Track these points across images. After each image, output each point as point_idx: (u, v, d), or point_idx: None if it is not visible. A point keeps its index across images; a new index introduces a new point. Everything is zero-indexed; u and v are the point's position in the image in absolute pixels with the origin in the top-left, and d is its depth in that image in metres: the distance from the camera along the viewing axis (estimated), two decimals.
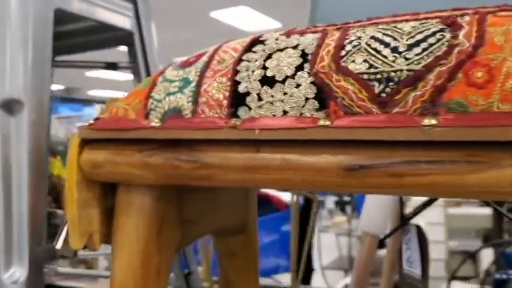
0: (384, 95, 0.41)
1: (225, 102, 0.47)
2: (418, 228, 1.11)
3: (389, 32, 0.44)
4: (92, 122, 0.53)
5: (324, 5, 0.85)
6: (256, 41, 0.51)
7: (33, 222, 0.68)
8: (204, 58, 0.52)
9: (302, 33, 0.49)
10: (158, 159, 0.50)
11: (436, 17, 0.44)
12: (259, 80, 0.46)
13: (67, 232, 0.60)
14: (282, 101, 0.45)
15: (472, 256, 3.29)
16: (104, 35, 1.02)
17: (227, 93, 0.48)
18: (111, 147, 0.53)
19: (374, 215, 0.87)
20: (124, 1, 0.96)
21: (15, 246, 0.66)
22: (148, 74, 0.97)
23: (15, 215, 0.67)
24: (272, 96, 0.45)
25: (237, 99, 0.47)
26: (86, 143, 0.54)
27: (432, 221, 3.51)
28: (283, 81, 0.45)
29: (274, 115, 0.45)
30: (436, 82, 0.39)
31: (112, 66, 0.99)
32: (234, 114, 0.47)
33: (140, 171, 0.51)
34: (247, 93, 0.47)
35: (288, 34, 0.50)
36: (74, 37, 1.03)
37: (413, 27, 0.43)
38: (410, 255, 1.11)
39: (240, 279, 0.74)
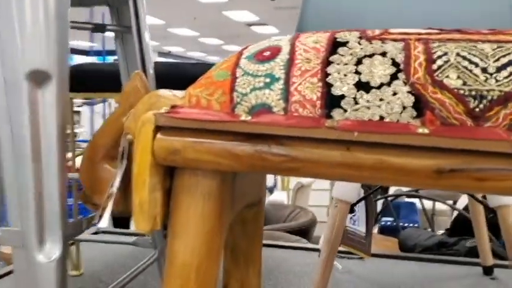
0: (477, 110, 0.48)
1: (318, 102, 0.51)
2: (366, 192, 1.22)
3: (473, 52, 0.50)
4: (168, 109, 0.54)
5: (312, 13, 0.88)
6: (336, 42, 0.54)
7: (62, 197, 0.66)
8: (285, 55, 0.54)
9: (382, 39, 0.54)
10: (247, 150, 0.52)
11: (509, 41, 0.51)
12: (355, 85, 0.51)
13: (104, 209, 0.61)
14: (379, 107, 0.50)
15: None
16: None
17: (319, 94, 0.51)
18: (192, 135, 0.54)
19: (347, 185, 0.96)
20: None
21: (47, 223, 0.64)
22: (139, 38, 0.94)
23: (46, 191, 0.64)
24: (368, 101, 0.50)
25: (332, 101, 0.51)
26: (159, 129, 0.55)
27: None
28: (378, 88, 0.50)
29: (370, 119, 0.50)
30: None
31: (100, 28, 0.93)
32: (328, 115, 0.51)
33: (224, 160, 0.53)
34: (342, 96, 0.51)
35: (367, 39, 0.54)
36: None
37: (494, 49, 0.50)
38: (355, 215, 1.23)
39: (250, 245, 0.79)
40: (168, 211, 0.59)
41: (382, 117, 0.49)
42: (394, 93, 0.49)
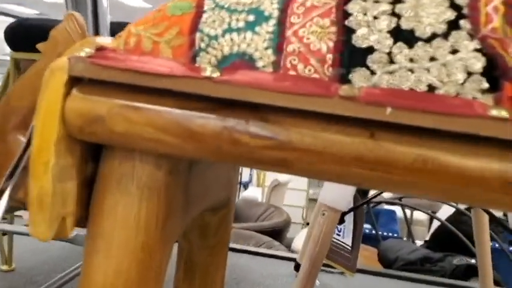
0: None
1: (329, 57, 0.32)
2: (357, 198, 1.04)
3: None
4: (92, 52, 0.34)
5: None
6: None
7: None
8: None
9: None
10: (210, 126, 0.33)
11: None
12: (390, 33, 0.32)
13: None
14: (428, 71, 0.31)
15: None
16: None
17: (331, 44, 0.32)
18: (124, 96, 0.34)
19: (339, 191, 0.78)
20: None
21: None
22: None
23: None
24: (411, 60, 0.31)
25: (351, 55, 0.32)
26: (76, 82, 0.35)
27: None
28: (428, 40, 0.31)
29: (412, 89, 0.31)
30: None
31: None
32: (344, 78, 0.32)
33: (174, 138, 0.33)
34: (370, 50, 0.31)
35: None
36: None
37: None
38: (342, 227, 1.05)
39: (211, 259, 0.60)
40: (87, 211, 0.40)
41: (432, 88, 0.31)
42: (454, 51, 0.31)
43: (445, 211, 2.70)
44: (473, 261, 1.68)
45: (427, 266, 1.75)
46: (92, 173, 0.40)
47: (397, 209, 2.93)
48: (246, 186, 5.88)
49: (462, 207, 2.35)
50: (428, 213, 2.73)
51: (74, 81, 0.35)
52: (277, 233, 2.73)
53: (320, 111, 0.31)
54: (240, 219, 3.20)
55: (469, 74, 0.30)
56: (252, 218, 3.12)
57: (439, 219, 2.44)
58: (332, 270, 1.35)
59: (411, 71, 0.31)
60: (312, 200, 4.02)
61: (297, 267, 1.13)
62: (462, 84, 0.30)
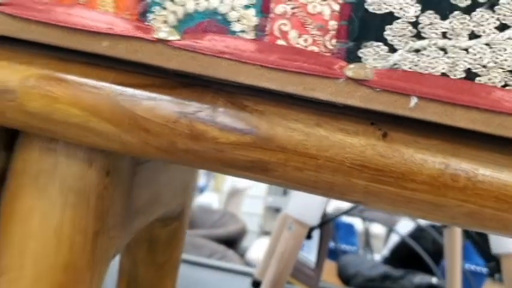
0: None
1: (332, 24, 0.23)
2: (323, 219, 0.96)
3: None
4: None
5: None
6: None
7: None
8: None
9: None
10: (160, 112, 0.23)
11: None
12: None
13: None
14: (466, 51, 0.22)
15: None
16: None
17: (337, 7, 0.23)
18: (43, 62, 0.24)
19: (309, 202, 0.69)
20: None
21: None
22: None
23: None
24: (444, 35, 0.22)
25: (364, 23, 0.23)
26: None
27: None
28: (468, 11, 0.23)
29: (445, 74, 0.22)
30: None
31: None
32: (352, 54, 0.23)
33: (110, 126, 0.24)
34: (389, 18, 0.23)
35: None
36: None
37: None
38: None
39: (158, 278, 0.50)
40: None
41: (471, 74, 0.22)
42: (502, 27, 0.22)
43: (404, 226, 2.67)
44: (434, 279, 1.63)
45: (387, 283, 1.69)
46: (2, 167, 0.30)
47: (356, 221, 2.89)
48: (201, 190, 5.74)
49: (423, 222, 2.32)
50: (392, 229, 2.69)
51: None
52: (232, 241, 2.63)
53: (316, 98, 0.23)
54: (193, 225, 3.09)
55: None
56: (205, 224, 3.01)
57: (401, 235, 2.40)
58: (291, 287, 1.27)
59: (444, 50, 0.22)
60: (270, 208, 3.95)
61: (255, 283, 1.04)
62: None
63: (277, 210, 4.02)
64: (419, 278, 1.64)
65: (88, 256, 0.29)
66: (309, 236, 0.75)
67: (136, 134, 0.23)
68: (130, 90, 0.24)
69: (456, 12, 0.23)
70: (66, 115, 0.24)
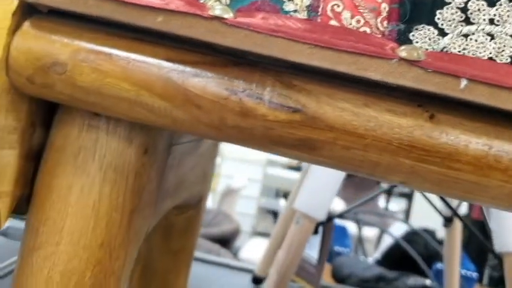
0: None
1: (384, 6, 0.23)
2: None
3: None
4: None
5: None
6: None
7: None
8: None
9: None
10: (211, 89, 0.24)
11: None
12: None
13: None
14: None
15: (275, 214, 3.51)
16: None
17: None
18: (95, 37, 0.25)
19: (318, 198, 0.70)
20: None
21: None
22: None
23: None
24: (492, 21, 0.23)
25: (415, 7, 0.23)
26: (28, 12, 0.25)
27: (252, 177, 3.54)
28: None
29: (492, 59, 0.23)
30: None
31: None
32: (403, 36, 0.23)
33: (161, 101, 0.24)
34: (440, 1, 0.23)
35: None
36: None
37: None
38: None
39: (173, 266, 0.50)
40: (30, 193, 0.30)
41: None
42: None
43: (397, 229, 2.68)
44: (427, 282, 1.64)
45: (381, 284, 1.69)
46: (40, 142, 0.30)
47: (348, 224, 2.90)
48: None
49: (416, 226, 2.33)
50: (385, 231, 2.70)
51: (26, 11, 0.25)
52: (226, 241, 2.63)
53: (366, 78, 0.23)
54: None
55: None
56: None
57: (395, 238, 2.41)
58: (292, 284, 1.27)
59: (491, 36, 0.23)
60: (263, 209, 3.94)
61: (256, 279, 1.04)
62: None
63: (270, 211, 4.02)
64: (413, 280, 1.65)
65: (123, 234, 0.30)
66: (316, 231, 0.75)
67: (187, 109, 0.24)
68: (181, 67, 0.24)
69: (503, 0, 0.23)
70: (117, 89, 0.24)
